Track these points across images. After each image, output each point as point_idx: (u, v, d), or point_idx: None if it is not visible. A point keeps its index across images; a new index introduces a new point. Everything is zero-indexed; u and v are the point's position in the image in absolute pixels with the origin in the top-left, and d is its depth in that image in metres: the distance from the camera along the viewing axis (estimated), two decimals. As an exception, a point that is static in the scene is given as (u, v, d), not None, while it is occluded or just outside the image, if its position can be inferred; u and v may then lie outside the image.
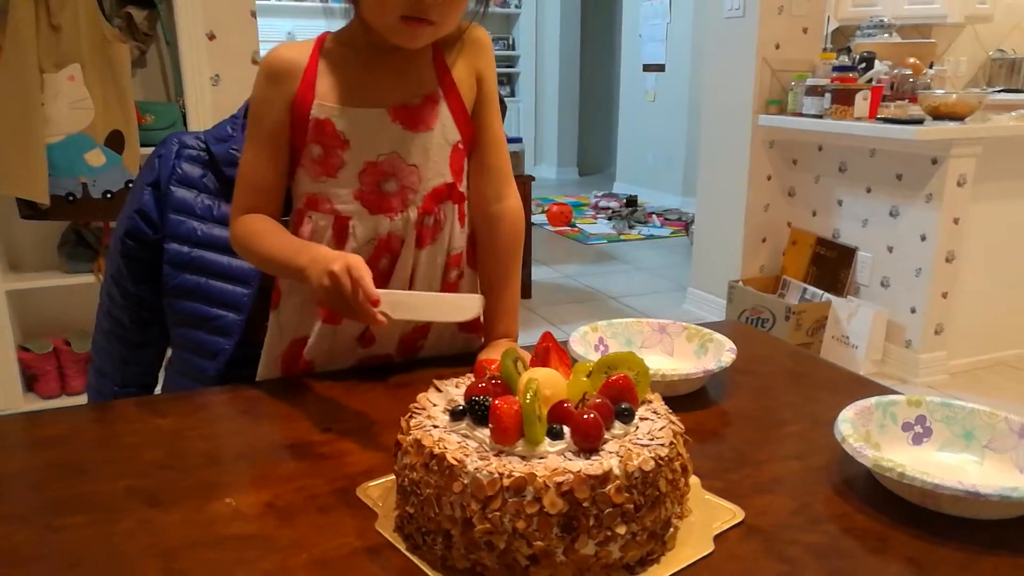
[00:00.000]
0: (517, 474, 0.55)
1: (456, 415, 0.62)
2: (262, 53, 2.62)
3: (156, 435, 0.78)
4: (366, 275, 0.76)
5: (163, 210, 1.21)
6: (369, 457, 0.73)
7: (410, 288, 0.96)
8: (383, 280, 0.94)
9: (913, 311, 2.95)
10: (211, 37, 2.48)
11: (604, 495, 0.54)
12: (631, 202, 6.34)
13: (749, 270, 3.56)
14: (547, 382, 0.61)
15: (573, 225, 5.88)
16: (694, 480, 0.68)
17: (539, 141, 8.54)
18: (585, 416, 0.58)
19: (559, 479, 0.54)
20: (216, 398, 0.91)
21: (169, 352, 1.29)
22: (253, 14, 2.55)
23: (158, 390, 1.32)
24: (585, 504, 0.54)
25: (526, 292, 4.07)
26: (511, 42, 8.37)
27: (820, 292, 3.25)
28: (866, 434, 0.73)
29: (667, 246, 5.32)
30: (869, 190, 3.12)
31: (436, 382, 0.69)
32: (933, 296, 2.89)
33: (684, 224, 5.69)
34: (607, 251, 5.21)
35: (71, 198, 2.31)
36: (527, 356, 0.67)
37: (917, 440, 0.75)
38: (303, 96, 0.89)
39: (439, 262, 0.97)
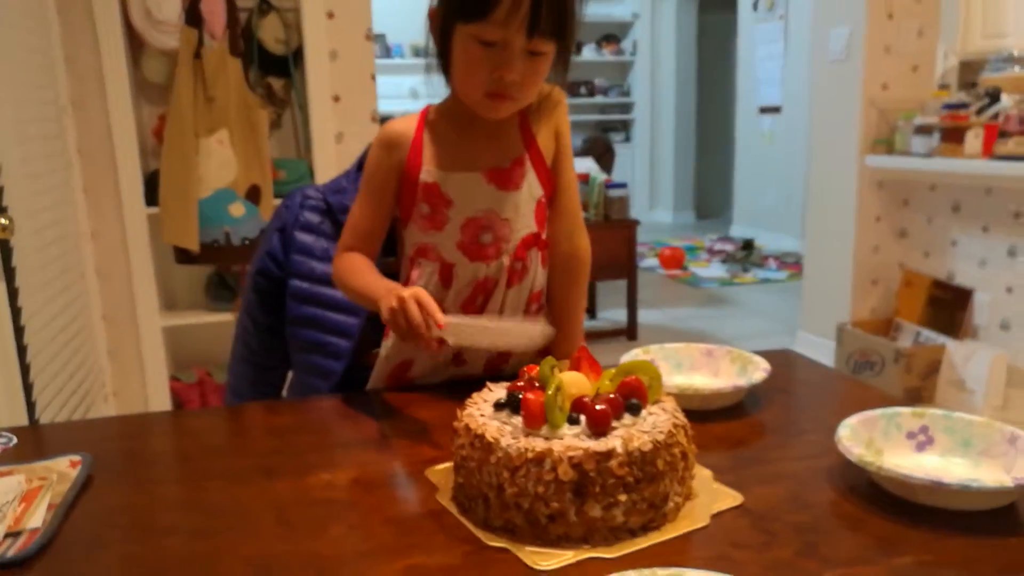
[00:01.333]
0: (539, 449, 0.69)
1: (498, 406, 0.78)
2: (381, 110, 2.91)
3: (275, 429, 0.98)
4: (432, 303, 0.91)
5: (288, 252, 1.43)
6: (438, 448, 0.88)
7: (498, 319, 1.10)
8: (478, 313, 1.10)
9: (1034, 354, 2.85)
10: (336, 99, 2.78)
11: (608, 468, 0.68)
12: (747, 245, 6.31)
13: (859, 312, 3.52)
14: (572, 382, 0.76)
15: (685, 268, 5.92)
16: (706, 473, 0.79)
17: (655, 185, 8.63)
18: (597, 407, 0.71)
19: (571, 453, 0.68)
20: (325, 403, 1.10)
21: (290, 375, 1.51)
22: (373, 77, 2.83)
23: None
24: (592, 474, 0.68)
25: (632, 334, 4.16)
26: (626, 89, 8.55)
27: (935, 335, 3.18)
28: (869, 440, 0.81)
29: (782, 289, 5.26)
30: (986, 229, 3.05)
31: (489, 384, 0.84)
32: (1054, 338, 2.78)
33: (802, 267, 5.61)
34: (718, 294, 5.21)
35: (216, 245, 2.63)
36: (565, 364, 0.81)
37: (920, 447, 0.82)
38: (412, 163, 1.07)
39: (523, 298, 1.12)
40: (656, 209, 8.58)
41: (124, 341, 2.67)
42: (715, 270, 5.87)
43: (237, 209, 2.62)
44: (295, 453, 0.88)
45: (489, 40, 0.96)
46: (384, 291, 0.97)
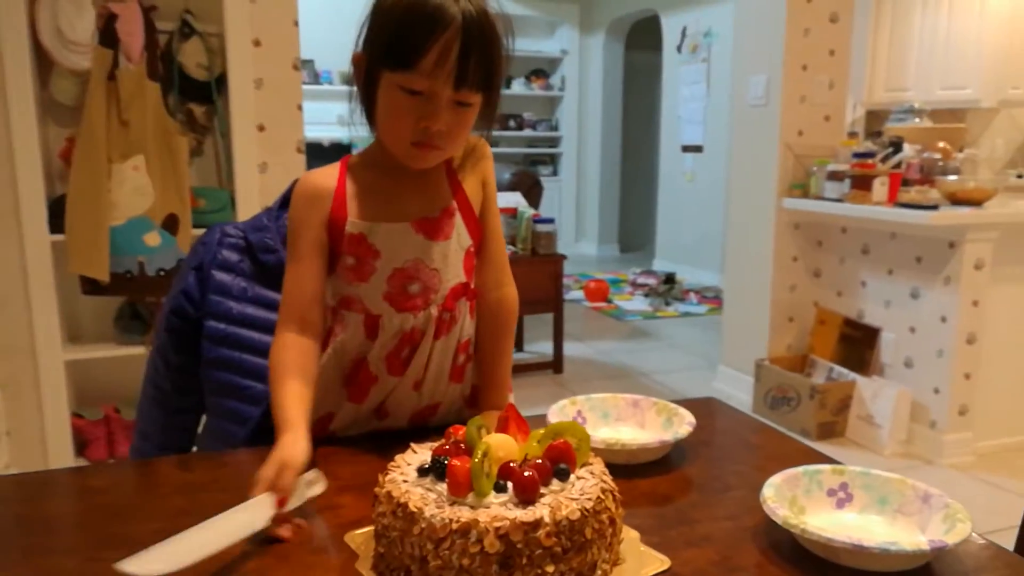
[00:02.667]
0: (464, 520, 0.67)
1: (423, 472, 0.74)
2: (309, 136, 2.86)
3: (185, 487, 0.92)
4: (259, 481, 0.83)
5: (204, 291, 1.37)
6: (359, 509, 0.85)
7: (424, 372, 1.08)
8: (404, 365, 1.07)
9: (937, 391, 2.98)
10: (261, 128, 2.72)
11: (535, 539, 0.66)
12: (669, 279, 6.44)
13: (776, 348, 3.62)
14: (499, 445, 0.74)
15: (610, 301, 5.99)
16: (633, 534, 0.78)
17: (581, 218, 8.76)
18: (525, 474, 0.70)
19: (497, 524, 0.66)
20: (240, 458, 1.04)
21: (204, 419, 1.44)
22: (299, 107, 2.79)
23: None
24: (519, 546, 0.66)
25: (558, 367, 4.18)
26: (554, 123, 8.69)
27: (846, 371, 3.29)
28: (792, 498, 0.82)
29: (703, 323, 5.38)
30: (891, 272, 3.19)
31: (413, 445, 0.81)
32: (956, 377, 2.91)
33: (721, 302, 5.76)
34: (642, 327, 5.29)
35: (129, 275, 2.52)
36: (492, 425, 0.80)
37: (840, 504, 0.84)
38: (336, 215, 1.03)
39: (451, 349, 1.10)
40: (581, 242, 8.70)
41: (21, 375, 2.52)
42: (638, 303, 5.96)
43: (153, 238, 2.52)
44: (205, 514, 0.83)
45: (415, 89, 0.95)
46: (278, 430, 0.93)
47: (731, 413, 1.20)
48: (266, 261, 1.37)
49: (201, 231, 2.50)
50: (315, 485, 0.87)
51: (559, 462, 0.73)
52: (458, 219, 1.07)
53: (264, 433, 1.33)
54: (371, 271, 1.03)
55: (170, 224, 2.54)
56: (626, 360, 4.48)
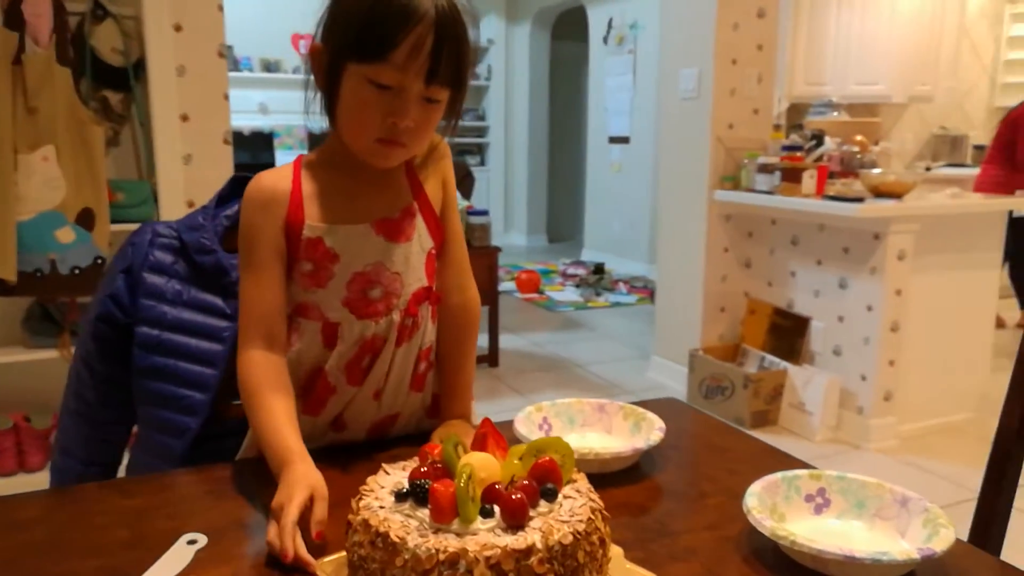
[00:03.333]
0: (451, 549, 0.62)
1: (400, 497, 0.69)
2: (234, 128, 2.74)
3: (125, 515, 0.84)
4: (287, 536, 0.75)
5: (135, 295, 1.28)
6: (327, 534, 0.79)
7: (385, 381, 1.02)
8: (364, 374, 1.01)
9: (864, 378, 3.07)
10: (184, 118, 2.58)
11: (528, 567, 0.62)
12: (598, 269, 6.49)
13: (709, 339, 3.68)
14: (482, 466, 0.69)
15: (541, 292, 5.99)
16: (617, 551, 0.75)
17: (509, 209, 8.74)
18: (513, 496, 0.65)
19: (488, 553, 0.61)
20: (182, 479, 0.97)
21: (136, 432, 1.35)
22: (226, 96, 2.66)
23: (123, 469, 1.36)
24: (511, 574, 0.61)
25: (494, 360, 4.15)
26: (481, 113, 8.63)
27: (778, 360, 3.36)
28: (773, 506, 0.81)
29: (633, 313, 5.44)
30: (820, 262, 3.27)
31: (384, 466, 0.76)
32: (881, 364, 3.01)
33: (650, 291, 5.83)
34: (574, 318, 5.31)
35: (39, 274, 2.35)
36: (468, 442, 0.75)
37: (818, 510, 0.83)
38: (293, 218, 0.96)
39: (412, 357, 1.04)
40: (511, 232, 8.69)
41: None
42: (569, 294, 5.98)
43: (66, 235, 2.36)
44: (151, 548, 0.76)
45: (384, 83, 0.90)
46: (277, 464, 0.85)
47: (694, 415, 1.18)
48: (202, 263, 1.29)
49: (120, 227, 2.42)
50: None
51: (546, 481, 0.69)
52: (419, 220, 1.02)
53: (202, 444, 1.26)
54: (329, 276, 0.97)
55: (85, 219, 2.39)
56: (560, 351, 4.49)
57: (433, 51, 0.88)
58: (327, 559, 0.75)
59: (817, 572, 0.73)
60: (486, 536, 0.63)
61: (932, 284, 3.08)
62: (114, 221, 2.40)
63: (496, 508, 0.66)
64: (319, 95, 0.97)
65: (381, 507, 0.68)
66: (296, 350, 1.00)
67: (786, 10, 4.94)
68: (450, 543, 0.62)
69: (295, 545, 0.74)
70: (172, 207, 2.46)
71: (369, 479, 0.73)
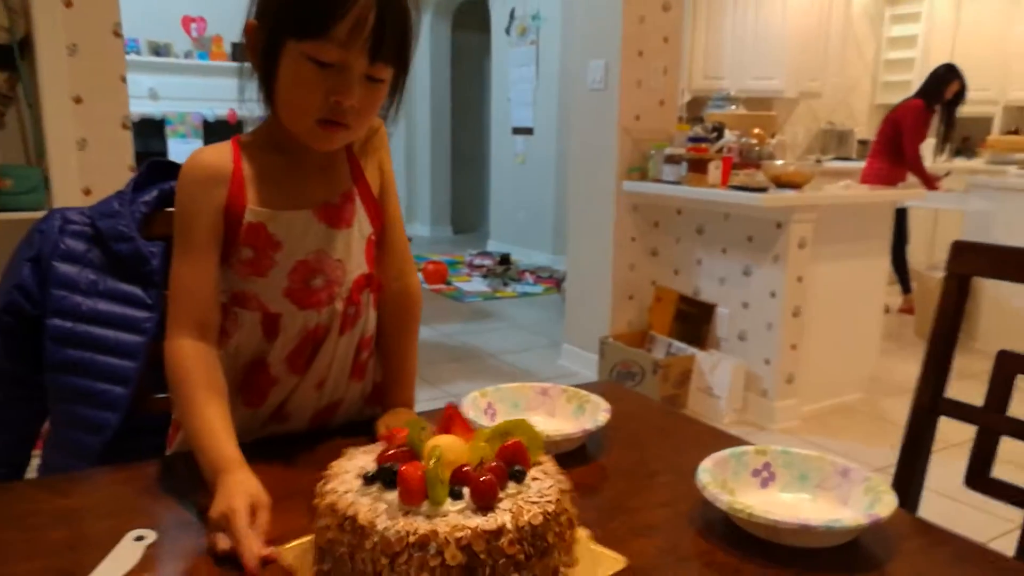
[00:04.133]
0: (421, 531, 0.62)
1: (369, 480, 0.68)
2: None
3: (62, 515, 0.79)
4: (246, 541, 0.71)
5: (44, 285, 1.20)
6: (282, 524, 0.76)
7: (328, 370, 1.00)
8: (306, 364, 0.98)
9: (767, 362, 3.21)
10: (78, 100, 2.43)
11: (498, 547, 0.62)
12: (504, 260, 6.52)
13: (618, 326, 3.76)
14: (450, 448, 0.69)
15: (449, 283, 5.97)
16: (583, 532, 0.76)
17: (412, 199, 8.66)
18: (482, 478, 0.65)
19: (458, 534, 0.61)
20: (116, 475, 0.91)
21: (48, 429, 1.26)
22: (123, 78, 2.52)
23: (32, 469, 1.28)
24: (482, 556, 0.62)
25: (404, 352, 4.10)
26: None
27: (684, 346, 3.47)
28: (723, 481, 0.83)
29: (541, 303, 5.49)
30: (725, 251, 3.39)
31: (346, 450, 0.74)
32: (783, 348, 3.15)
33: (556, 281, 5.91)
34: (483, 308, 5.32)
35: (-82, 266, 2.17)
36: (431, 426, 0.74)
37: (764, 484, 0.86)
38: (235, 200, 0.92)
39: (353, 345, 1.02)
40: (414, 223, 8.61)
41: None
42: (477, 284, 5.99)
43: (-53, 223, 2.19)
44: (95, 548, 0.72)
45: (326, 61, 0.86)
46: (210, 474, 0.80)
47: (634, 398, 1.21)
48: (120, 251, 1.22)
49: (9, 215, 2.26)
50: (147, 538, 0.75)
51: (514, 463, 0.69)
52: (359, 205, 0.99)
53: (122, 439, 1.19)
54: (270, 264, 0.94)
55: (-31, 207, 2.22)
56: (472, 341, 4.49)
57: (376, 26, 0.85)
58: (288, 546, 0.72)
59: (770, 542, 0.76)
60: (456, 518, 0.63)
61: (829, 271, 3.24)
62: (2, 209, 2.24)
63: (466, 490, 0.66)
64: (254, 78, 0.93)
65: (347, 491, 0.67)
66: (235, 342, 0.96)
67: (686, 4, 5.08)
68: (420, 525, 0.62)
69: (254, 549, 0.70)
70: (66, 194, 2.31)
71: (333, 463, 0.72)
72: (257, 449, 0.95)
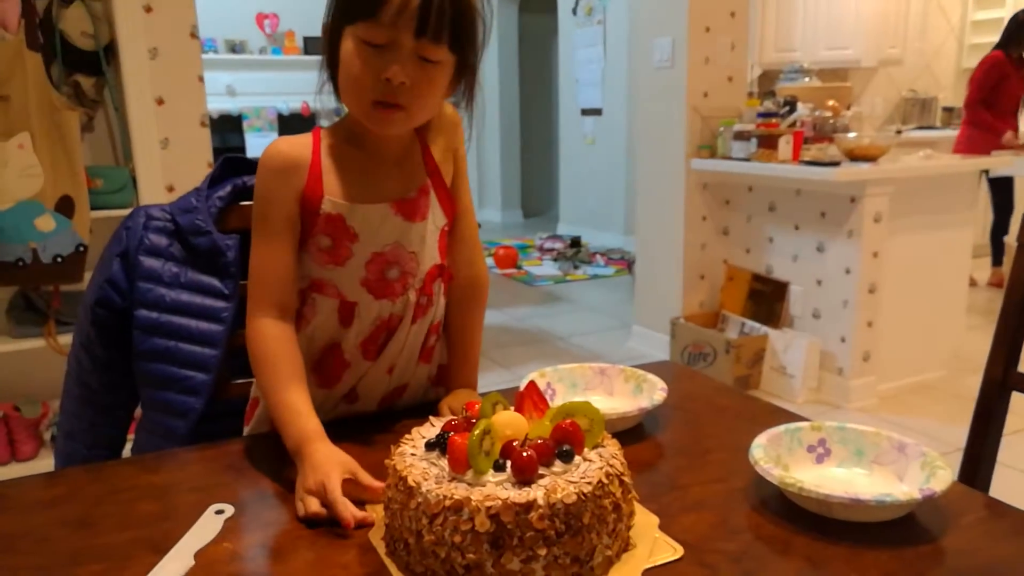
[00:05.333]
0: (457, 497, 0.66)
1: (429, 446, 0.74)
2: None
3: (150, 490, 0.86)
4: (342, 507, 0.77)
5: (132, 279, 1.28)
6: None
7: (399, 356, 1.04)
8: (378, 350, 1.03)
9: (843, 340, 3.14)
10: (159, 102, 2.55)
11: (527, 520, 0.65)
12: (575, 243, 6.52)
13: (689, 307, 3.73)
14: (507, 423, 0.72)
15: (520, 267, 6.02)
16: (651, 519, 0.77)
17: (483, 185, 8.72)
18: (524, 453, 0.68)
19: (489, 504, 0.65)
20: (202, 454, 0.98)
21: (139, 413, 1.36)
22: (200, 78, 2.63)
23: (126, 451, 1.38)
24: (510, 526, 0.65)
25: (476, 336, 4.17)
26: (451, 90, 8.56)
27: (758, 325, 3.42)
28: (777, 456, 0.84)
29: (611, 285, 5.48)
30: (797, 227, 3.32)
31: (432, 419, 0.79)
32: (859, 325, 3.08)
33: (627, 263, 5.88)
34: (553, 292, 5.34)
35: (21, 263, 2.33)
36: (505, 402, 0.77)
37: (820, 459, 0.87)
38: (312, 191, 0.96)
39: (424, 332, 1.06)
40: (485, 208, 8.67)
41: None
42: (548, 268, 6.01)
43: (46, 223, 2.34)
44: (181, 519, 0.78)
45: (376, 42, 0.89)
46: (293, 445, 0.86)
47: (691, 375, 1.22)
48: (198, 244, 1.29)
49: (101, 214, 2.40)
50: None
51: (564, 443, 0.72)
52: (433, 198, 1.03)
53: (205, 423, 1.27)
54: (348, 255, 0.98)
55: (64, 207, 2.36)
56: (542, 324, 4.52)
57: (422, 4, 0.87)
58: (374, 505, 0.80)
59: (822, 516, 0.77)
60: (493, 488, 0.67)
61: (907, 245, 3.14)
62: (94, 208, 2.38)
63: (508, 463, 0.69)
64: (326, 74, 0.97)
65: (412, 454, 0.73)
66: (312, 326, 1.01)
67: (755, -23, 4.96)
68: (458, 492, 0.66)
69: (351, 511, 0.77)
70: (152, 192, 2.44)
71: (414, 429, 0.78)
72: (329, 429, 1.01)
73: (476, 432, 0.69)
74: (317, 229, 0.97)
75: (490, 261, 6.09)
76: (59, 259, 2.36)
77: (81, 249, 2.37)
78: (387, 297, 1.00)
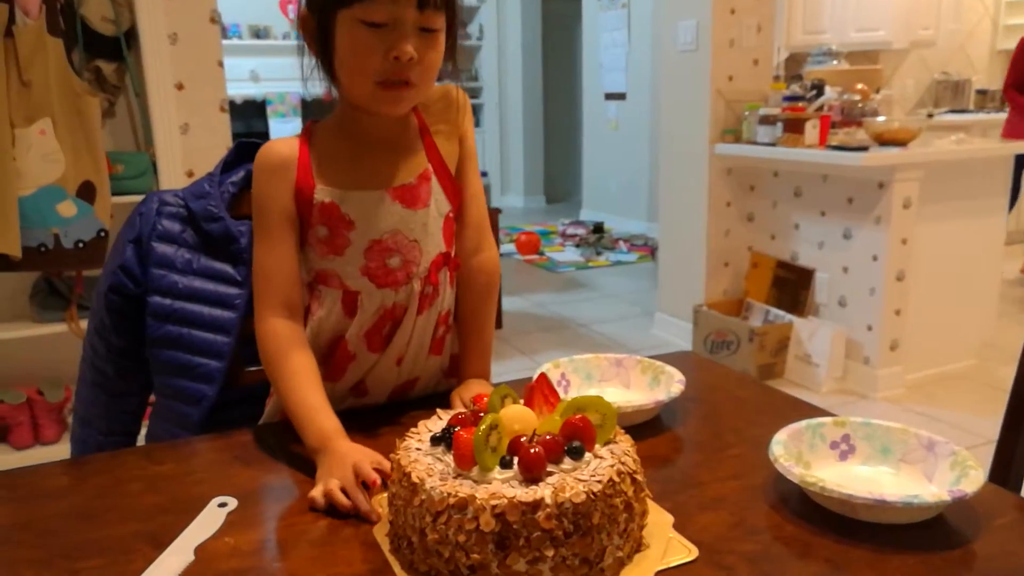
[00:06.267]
0: (461, 494, 0.64)
1: (435, 440, 0.72)
2: (229, 95, 2.71)
3: (156, 481, 0.85)
4: (358, 495, 0.78)
5: (145, 265, 1.27)
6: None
7: (406, 347, 1.02)
8: (384, 342, 1.01)
9: (869, 328, 3.08)
10: (179, 87, 2.54)
11: (533, 520, 0.63)
12: (598, 229, 6.47)
13: (713, 294, 3.67)
14: (516, 418, 0.70)
15: (542, 253, 5.98)
16: (666, 519, 0.75)
17: (505, 170, 8.68)
18: (532, 450, 0.66)
19: (495, 502, 0.63)
20: (210, 444, 0.97)
21: (152, 400, 1.35)
22: (220, 64, 2.62)
23: (141, 438, 1.37)
24: (516, 526, 0.62)
25: (497, 322, 4.15)
26: (474, 73, 8.51)
27: (782, 313, 3.37)
28: (798, 453, 0.81)
29: (634, 271, 5.43)
30: (823, 213, 3.25)
31: (439, 411, 0.77)
32: (887, 314, 3.01)
33: (650, 249, 5.82)
34: (576, 278, 5.31)
35: (43, 248, 2.34)
36: (514, 395, 0.75)
37: (843, 456, 0.83)
38: (303, 183, 0.95)
39: (432, 323, 1.04)
40: (508, 194, 8.64)
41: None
42: (570, 254, 5.97)
43: (67, 208, 2.35)
44: (184, 512, 0.76)
45: (378, 21, 0.87)
46: (316, 441, 0.86)
47: (710, 366, 1.18)
48: (211, 230, 1.28)
49: (122, 199, 2.40)
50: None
51: (574, 439, 0.69)
52: (435, 184, 1.00)
53: (219, 411, 1.26)
54: (346, 243, 0.96)
55: (86, 192, 2.37)
56: (563, 311, 4.49)
57: None
58: (383, 495, 0.78)
59: (845, 517, 0.73)
60: (499, 486, 0.65)
61: (938, 232, 3.07)
62: (115, 193, 2.38)
63: (515, 460, 0.66)
64: (315, 63, 0.95)
65: (418, 448, 0.71)
66: (317, 318, 0.99)
67: (783, -42, 4.85)
68: (463, 489, 0.64)
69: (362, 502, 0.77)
70: (172, 177, 2.44)
71: (420, 423, 0.76)
72: (342, 418, 0.99)
73: (482, 427, 0.66)
74: (314, 219, 0.96)
75: (511, 247, 6.06)
76: (81, 244, 2.37)
77: (102, 234, 2.38)
78: (389, 286, 0.98)
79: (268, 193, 0.95)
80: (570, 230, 6.58)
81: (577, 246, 6.17)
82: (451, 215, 1.03)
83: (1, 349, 2.47)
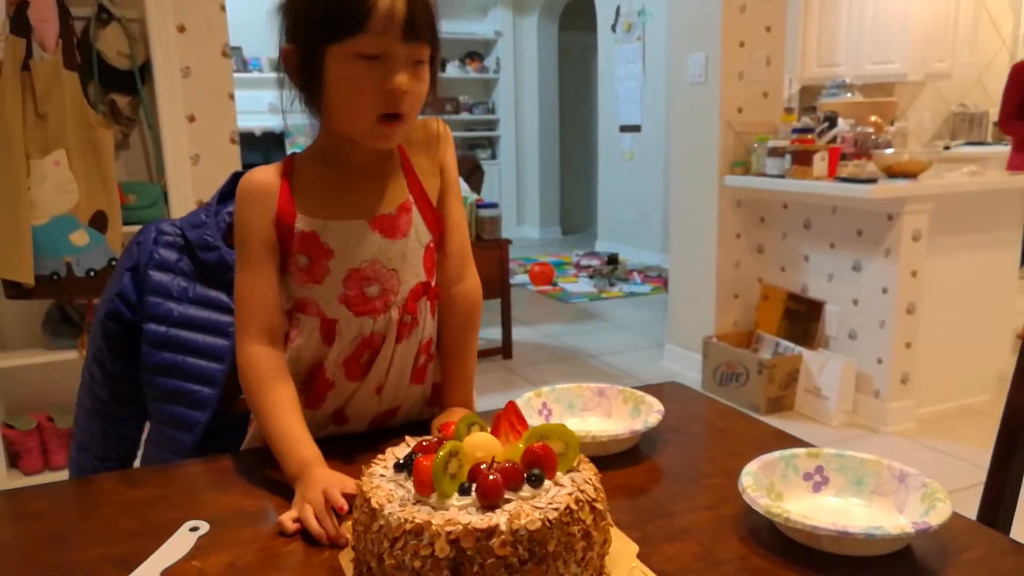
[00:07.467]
0: (417, 521, 0.64)
1: (397, 467, 0.72)
2: (241, 126, 2.76)
3: (132, 505, 0.86)
4: (327, 519, 0.79)
5: (141, 293, 1.29)
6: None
7: (386, 376, 1.03)
8: (363, 371, 1.02)
9: (880, 361, 3.04)
10: (191, 119, 2.60)
11: (488, 547, 0.63)
12: (612, 260, 6.47)
13: (723, 325, 3.66)
14: (479, 445, 0.70)
15: (555, 284, 5.99)
16: (631, 548, 0.74)
17: (521, 202, 8.73)
18: (489, 477, 0.66)
19: (449, 529, 0.63)
20: (189, 470, 0.98)
21: (148, 426, 1.37)
22: (231, 96, 2.68)
23: (137, 463, 1.39)
24: (470, 553, 0.63)
25: (507, 352, 4.15)
26: (491, 106, 8.61)
27: (792, 345, 3.34)
28: (770, 484, 0.80)
29: (647, 303, 5.42)
30: (833, 245, 3.24)
31: (408, 438, 0.78)
32: (897, 346, 2.98)
33: (664, 281, 5.81)
34: (588, 309, 5.30)
35: (55, 277, 2.38)
36: (482, 423, 0.76)
37: (817, 488, 0.83)
38: (284, 211, 0.96)
39: (412, 352, 1.04)
40: (524, 225, 8.68)
41: (-56, 387, 2.37)
42: (583, 285, 5.97)
43: (80, 238, 2.39)
44: (156, 536, 0.77)
45: (370, 53, 0.89)
46: (295, 471, 0.87)
47: (696, 398, 1.18)
48: (206, 259, 1.30)
49: (133, 228, 2.44)
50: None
51: (534, 466, 0.69)
52: (415, 215, 1.01)
53: (211, 437, 1.27)
54: (325, 272, 0.98)
55: (98, 222, 2.42)
56: (574, 342, 4.48)
57: (408, 8, 0.88)
58: (347, 523, 0.79)
59: (813, 549, 0.73)
60: (455, 513, 0.65)
61: (949, 265, 3.04)
62: (127, 223, 2.43)
63: (474, 487, 0.67)
64: (296, 96, 0.97)
65: (382, 475, 0.71)
66: (296, 346, 1.00)
67: (796, -8, 4.89)
68: (420, 515, 0.65)
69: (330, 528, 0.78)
70: (182, 207, 2.49)
71: (388, 449, 0.76)
72: (321, 445, 1.00)
73: (441, 454, 0.67)
74: (294, 248, 0.97)
75: (524, 278, 6.08)
76: (92, 273, 2.42)
77: (114, 263, 2.42)
78: (368, 314, 0.99)
79: (249, 221, 0.97)
80: (584, 261, 6.59)
81: (591, 277, 6.17)
82: (432, 244, 1.04)
83: (14, 375, 2.51)
